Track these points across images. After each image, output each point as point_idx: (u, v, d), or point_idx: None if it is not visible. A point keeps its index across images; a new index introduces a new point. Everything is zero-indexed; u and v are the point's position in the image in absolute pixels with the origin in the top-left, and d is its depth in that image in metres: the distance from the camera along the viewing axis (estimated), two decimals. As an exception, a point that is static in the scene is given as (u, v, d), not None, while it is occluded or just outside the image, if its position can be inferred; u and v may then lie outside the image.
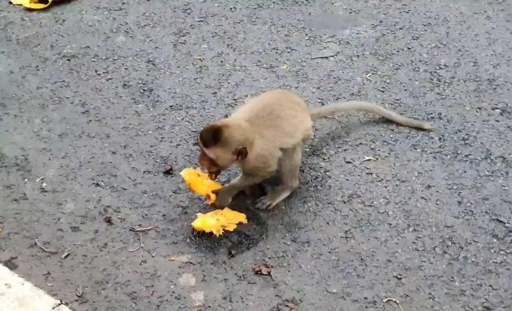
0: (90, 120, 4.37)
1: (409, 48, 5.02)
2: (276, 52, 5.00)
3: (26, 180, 3.92)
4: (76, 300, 3.26)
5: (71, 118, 4.39)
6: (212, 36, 5.17)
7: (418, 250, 3.52)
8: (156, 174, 3.98)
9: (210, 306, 3.24)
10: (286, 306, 3.25)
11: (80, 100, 4.54)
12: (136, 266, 3.44)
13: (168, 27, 5.28)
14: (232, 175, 3.94)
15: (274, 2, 5.58)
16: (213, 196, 3.62)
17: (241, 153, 3.48)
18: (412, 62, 4.88)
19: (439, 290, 3.32)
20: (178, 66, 4.86)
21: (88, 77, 4.76)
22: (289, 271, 3.42)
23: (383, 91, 4.60)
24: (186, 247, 3.54)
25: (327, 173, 3.97)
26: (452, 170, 3.99)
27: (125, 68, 4.83)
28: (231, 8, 5.50)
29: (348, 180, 3.93)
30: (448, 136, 4.22)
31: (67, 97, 4.57)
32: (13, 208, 3.74)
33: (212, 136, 3.46)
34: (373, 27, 5.27)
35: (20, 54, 4.97)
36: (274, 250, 3.52)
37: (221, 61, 4.91)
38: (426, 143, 4.17)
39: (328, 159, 4.08)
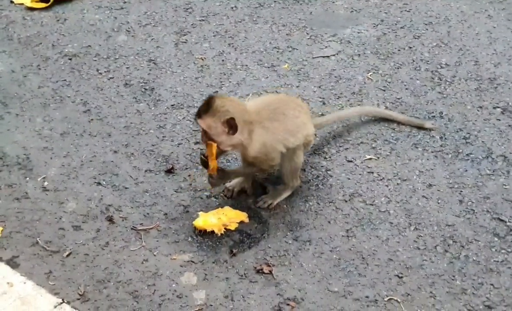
0: (92, 119, 4.38)
1: (410, 47, 5.02)
2: (277, 51, 5.00)
3: (27, 179, 3.93)
4: (78, 299, 3.26)
5: (73, 117, 4.40)
6: (214, 35, 5.18)
7: (419, 248, 3.53)
8: (157, 172, 3.98)
9: (211, 305, 3.25)
10: (288, 304, 3.26)
11: (81, 99, 4.54)
12: (137, 264, 3.44)
13: (169, 26, 5.29)
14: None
15: (275, 1, 5.58)
16: (214, 165, 3.55)
17: (231, 126, 3.44)
18: (413, 61, 4.88)
19: (440, 289, 3.33)
20: (180, 65, 4.86)
21: (90, 76, 4.76)
22: (290, 270, 3.42)
23: (384, 90, 4.61)
24: (188, 246, 3.54)
25: (329, 172, 3.98)
26: (453, 168, 3.99)
27: (127, 67, 4.84)
28: (232, 7, 5.50)
29: (349, 178, 3.93)
30: (449, 135, 4.22)
31: (69, 96, 4.57)
32: (15, 207, 3.75)
33: (205, 105, 3.47)
34: (374, 26, 5.27)
35: (22, 53, 4.98)
36: (276, 248, 3.53)
37: (222, 60, 4.91)
38: (427, 142, 4.18)
39: (330, 157, 4.08)
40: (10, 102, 4.51)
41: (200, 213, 3.62)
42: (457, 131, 4.25)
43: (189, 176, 3.93)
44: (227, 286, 3.34)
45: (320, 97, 4.54)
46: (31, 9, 5.47)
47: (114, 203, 3.78)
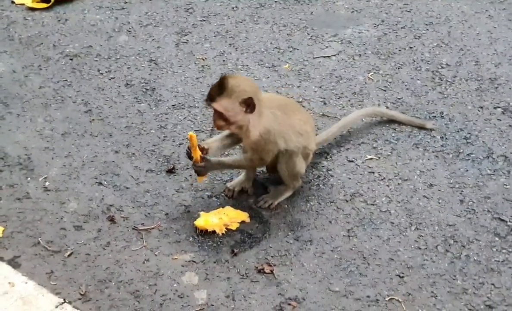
0: (93, 120, 4.38)
1: (411, 48, 5.03)
2: (278, 52, 5.00)
3: (29, 179, 3.93)
4: (80, 299, 3.26)
5: (74, 117, 4.40)
6: (214, 36, 5.18)
7: (420, 248, 3.53)
8: (158, 172, 3.98)
9: (213, 305, 3.25)
10: (289, 304, 3.26)
11: (82, 100, 4.55)
12: (139, 264, 3.45)
13: (170, 26, 5.29)
14: (235, 174, 3.94)
15: (276, 2, 5.58)
16: (196, 155, 3.54)
17: (249, 105, 3.37)
18: (414, 61, 4.88)
19: (442, 289, 3.33)
20: (181, 66, 4.86)
21: (91, 76, 4.76)
22: (291, 270, 3.42)
23: (385, 90, 4.61)
24: (189, 246, 3.54)
25: (330, 172, 3.98)
26: (454, 168, 3.99)
27: (128, 68, 4.84)
28: (233, 8, 5.51)
29: (350, 178, 3.94)
30: (450, 135, 4.22)
31: (70, 97, 4.58)
32: (16, 207, 3.75)
33: (218, 87, 3.38)
34: (375, 26, 5.28)
35: (23, 54, 4.98)
36: (277, 248, 3.53)
37: (223, 60, 4.92)
38: (428, 142, 4.18)
39: (331, 157, 4.08)
40: (11, 103, 4.51)
41: (201, 213, 3.62)
42: (458, 131, 4.25)
43: (190, 175, 3.93)
44: (228, 285, 3.34)
45: (321, 98, 4.55)
46: (32, 9, 5.47)
47: (115, 203, 3.78)
